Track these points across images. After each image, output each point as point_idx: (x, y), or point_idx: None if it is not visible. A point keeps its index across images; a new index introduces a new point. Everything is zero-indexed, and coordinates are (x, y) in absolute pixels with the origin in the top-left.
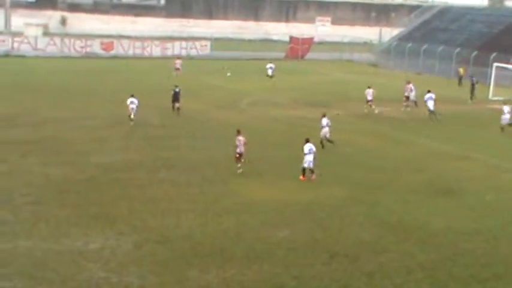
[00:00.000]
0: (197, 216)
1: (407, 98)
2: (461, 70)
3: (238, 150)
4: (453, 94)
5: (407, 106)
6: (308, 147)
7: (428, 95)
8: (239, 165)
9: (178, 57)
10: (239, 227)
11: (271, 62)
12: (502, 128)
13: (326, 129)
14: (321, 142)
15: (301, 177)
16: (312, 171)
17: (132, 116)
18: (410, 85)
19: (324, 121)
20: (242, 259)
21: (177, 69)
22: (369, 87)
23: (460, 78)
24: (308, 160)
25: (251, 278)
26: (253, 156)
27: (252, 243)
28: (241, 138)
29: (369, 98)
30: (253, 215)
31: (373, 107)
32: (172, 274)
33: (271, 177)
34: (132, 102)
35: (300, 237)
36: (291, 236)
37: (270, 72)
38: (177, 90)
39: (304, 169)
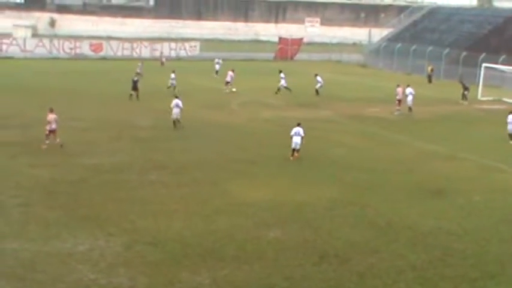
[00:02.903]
0: (188, 217)
1: (400, 101)
2: (429, 69)
3: (48, 127)
4: (439, 95)
5: (399, 110)
6: (295, 130)
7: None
8: (47, 141)
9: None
10: (230, 228)
11: (219, 59)
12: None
13: (177, 110)
14: (174, 122)
15: (290, 157)
16: (296, 151)
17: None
18: (401, 88)
19: (174, 102)
20: (233, 260)
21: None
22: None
23: (429, 76)
24: (294, 142)
25: (242, 279)
26: (245, 157)
27: (243, 244)
28: (52, 115)
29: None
30: (244, 215)
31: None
32: (163, 275)
33: (263, 177)
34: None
35: (291, 237)
36: (282, 236)
37: (217, 67)
38: (135, 79)
39: (293, 150)
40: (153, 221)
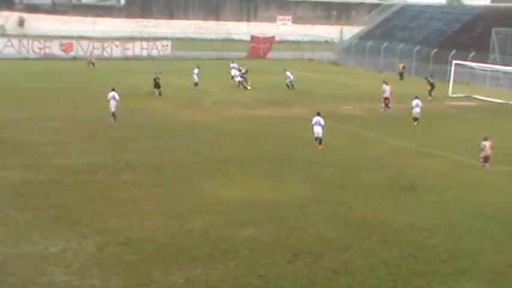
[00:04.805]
0: (161, 217)
1: (386, 99)
2: (400, 66)
3: None
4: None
5: (383, 106)
6: (315, 119)
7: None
8: None
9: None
10: (204, 227)
11: (233, 62)
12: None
13: (114, 103)
14: (113, 114)
15: (318, 146)
16: (319, 140)
17: None
18: (388, 86)
19: (110, 94)
20: (207, 259)
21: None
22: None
23: (401, 74)
24: (316, 131)
25: (216, 278)
26: (219, 156)
27: (217, 243)
28: None
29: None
30: (218, 214)
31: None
32: (136, 276)
33: (237, 176)
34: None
35: (265, 236)
36: (255, 235)
37: (233, 72)
38: (156, 77)
39: (316, 139)
40: (126, 221)
